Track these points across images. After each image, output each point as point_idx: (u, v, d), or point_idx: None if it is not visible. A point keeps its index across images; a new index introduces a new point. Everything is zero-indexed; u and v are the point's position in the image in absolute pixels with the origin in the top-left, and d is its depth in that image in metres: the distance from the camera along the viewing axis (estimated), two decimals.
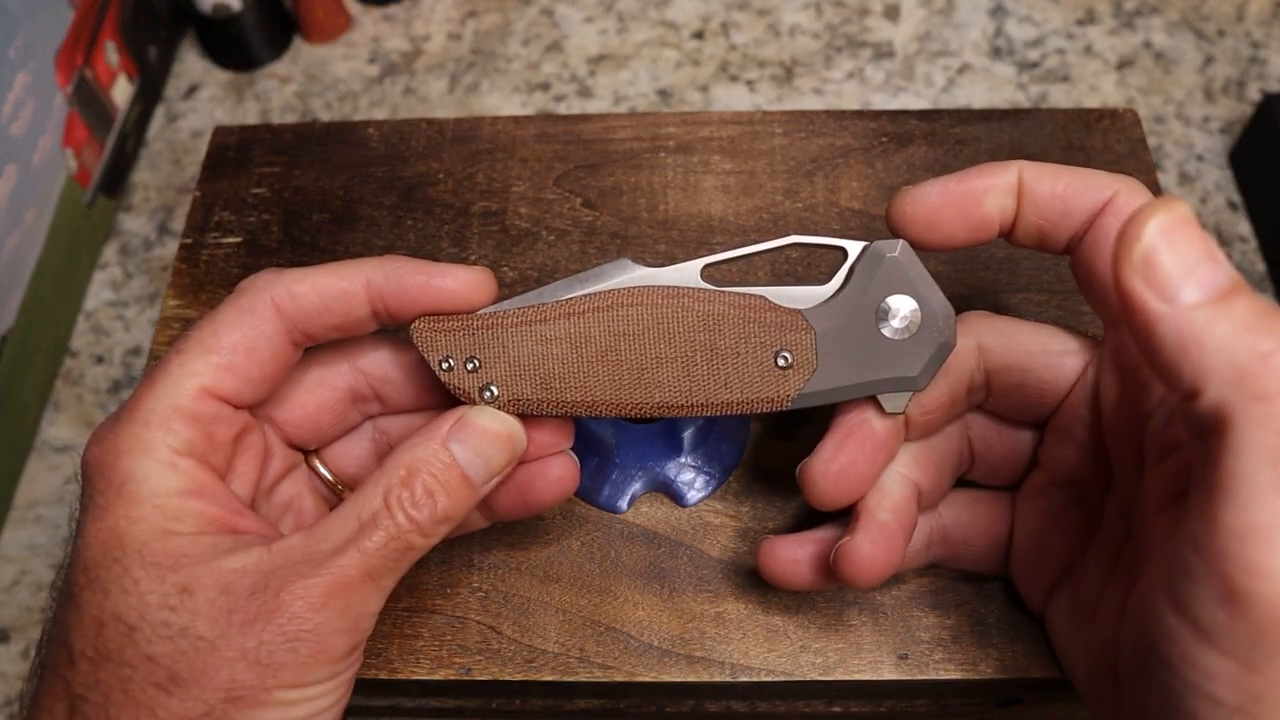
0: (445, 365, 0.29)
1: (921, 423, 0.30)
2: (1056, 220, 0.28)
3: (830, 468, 0.29)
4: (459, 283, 0.28)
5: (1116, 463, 0.29)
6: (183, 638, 0.25)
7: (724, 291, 0.29)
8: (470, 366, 0.29)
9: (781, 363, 0.28)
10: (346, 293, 0.28)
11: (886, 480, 0.30)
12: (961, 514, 0.33)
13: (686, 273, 0.29)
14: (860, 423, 0.29)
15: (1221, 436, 0.20)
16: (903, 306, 0.28)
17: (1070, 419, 0.30)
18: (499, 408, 0.29)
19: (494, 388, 0.29)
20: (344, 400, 0.31)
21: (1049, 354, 0.30)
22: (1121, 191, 0.27)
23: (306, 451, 0.33)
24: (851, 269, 0.29)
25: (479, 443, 0.28)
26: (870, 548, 0.29)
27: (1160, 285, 0.21)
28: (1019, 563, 0.32)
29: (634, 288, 0.29)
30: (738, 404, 0.29)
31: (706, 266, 0.29)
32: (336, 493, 0.33)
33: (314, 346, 0.30)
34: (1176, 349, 0.21)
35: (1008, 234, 0.29)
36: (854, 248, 0.29)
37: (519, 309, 0.29)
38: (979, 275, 0.41)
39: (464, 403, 0.29)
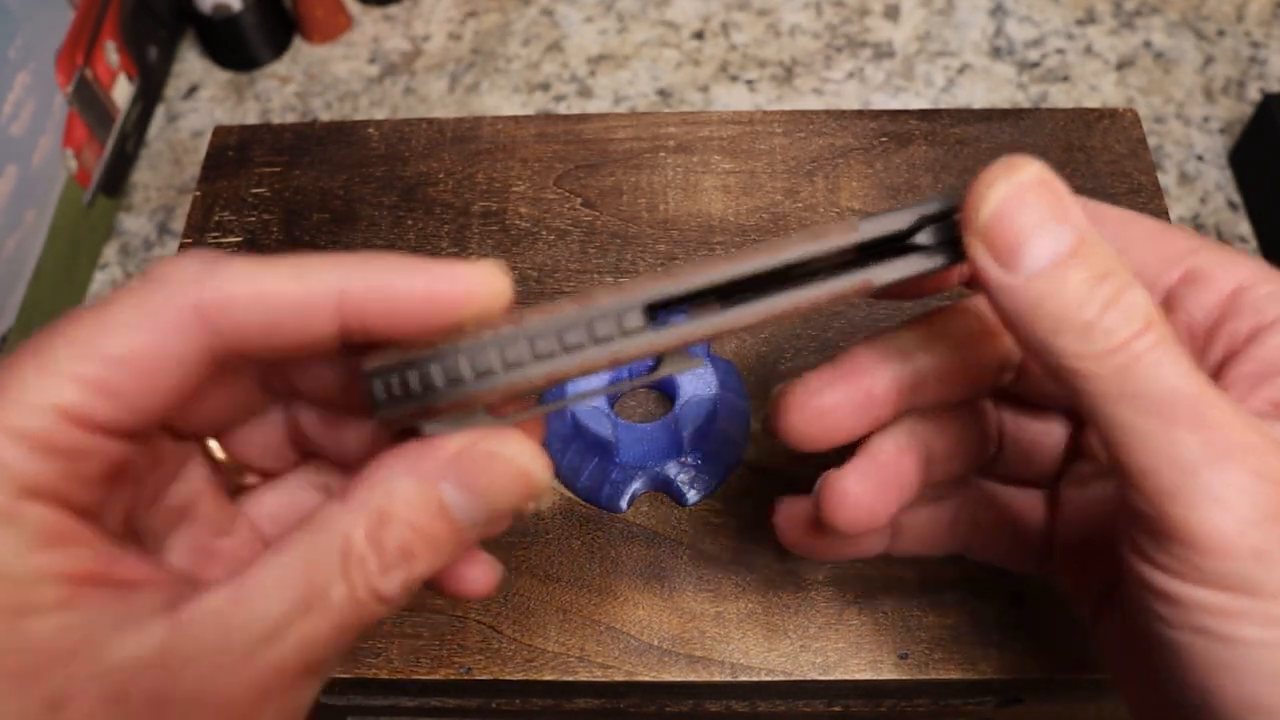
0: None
1: (919, 390, 0.26)
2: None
3: (811, 401, 0.25)
4: (467, 287, 0.20)
5: None
6: None
7: None
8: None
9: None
10: (306, 306, 0.19)
11: (890, 429, 0.26)
12: (993, 498, 0.29)
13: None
14: (858, 365, 0.25)
15: (1081, 398, 0.20)
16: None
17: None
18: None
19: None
20: (251, 389, 0.23)
21: None
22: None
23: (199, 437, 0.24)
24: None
25: (488, 486, 0.20)
26: (859, 484, 0.25)
27: (1003, 255, 0.20)
28: (1064, 560, 0.28)
29: None
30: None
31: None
32: (242, 484, 0.25)
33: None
34: (1024, 322, 0.20)
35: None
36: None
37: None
38: None
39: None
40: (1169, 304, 0.24)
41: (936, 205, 0.21)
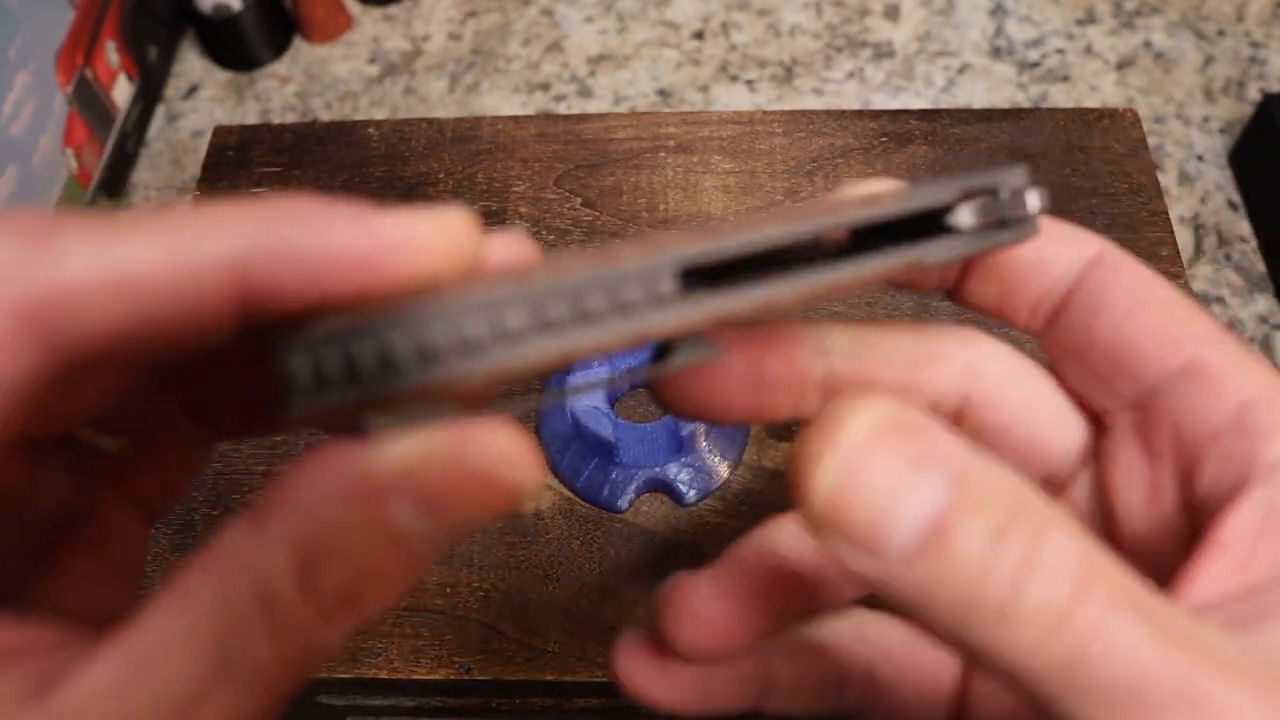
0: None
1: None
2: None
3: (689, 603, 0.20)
4: (424, 244, 0.14)
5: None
6: None
7: None
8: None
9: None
10: (187, 285, 0.14)
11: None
12: (894, 646, 0.22)
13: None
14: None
15: (1034, 700, 0.14)
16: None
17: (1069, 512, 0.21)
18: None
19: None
20: (108, 374, 0.16)
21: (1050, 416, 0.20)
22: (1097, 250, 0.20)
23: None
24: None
25: (455, 505, 0.14)
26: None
27: (863, 540, 0.14)
28: None
29: None
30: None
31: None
32: (100, 449, 0.18)
33: None
34: (924, 617, 0.15)
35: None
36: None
37: None
38: None
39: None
40: (1155, 395, 0.19)
41: (978, 182, 0.18)
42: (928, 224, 0.18)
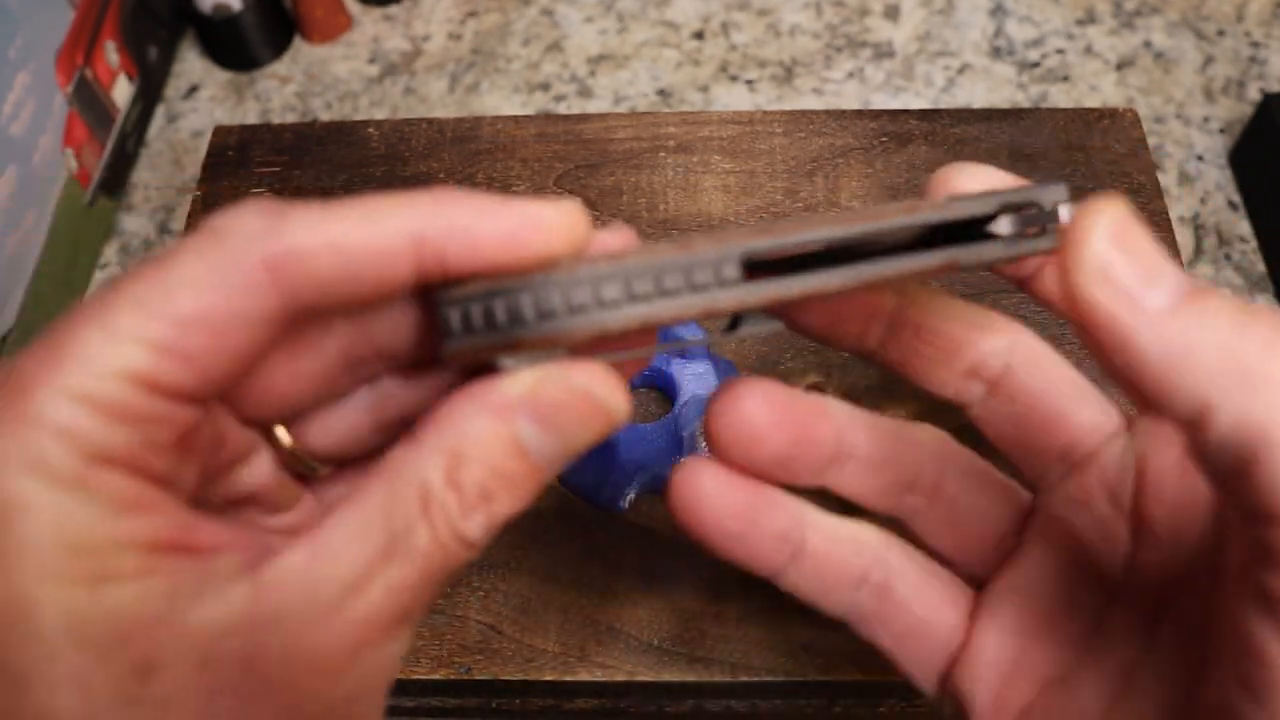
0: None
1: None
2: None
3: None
4: (549, 227, 0.19)
5: (1160, 547, 0.22)
6: None
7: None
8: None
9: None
10: (381, 252, 0.19)
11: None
12: (912, 571, 0.24)
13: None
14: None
15: (1256, 461, 0.16)
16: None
17: (1092, 485, 0.23)
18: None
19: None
20: (334, 366, 0.21)
21: (1077, 391, 0.23)
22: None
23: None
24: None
25: (566, 422, 0.19)
26: (757, 391, 0.22)
27: (1126, 293, 0.17)
28: (978, 672, 0.24)
29: None
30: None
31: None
32: (312, 473, 0.23)
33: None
34: (1164, 364, 0.17)
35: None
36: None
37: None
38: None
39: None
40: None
41: (1019, 196, 0.21)
42: (972, 230, 0.20)
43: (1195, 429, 0.17)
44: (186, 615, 0.17)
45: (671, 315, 0.19)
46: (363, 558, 0.18)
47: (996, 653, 0.23)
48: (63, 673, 0.17)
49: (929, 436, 0.25)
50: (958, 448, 0.25)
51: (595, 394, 0.19)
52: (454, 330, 0.19)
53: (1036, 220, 0.20)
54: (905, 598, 0.24)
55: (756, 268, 0.19)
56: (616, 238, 0.20)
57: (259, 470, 0.22)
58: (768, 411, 0.22)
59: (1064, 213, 0.20)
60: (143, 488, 0.18)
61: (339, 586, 0.18)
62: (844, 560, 0.24)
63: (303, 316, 0.19)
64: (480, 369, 0.20)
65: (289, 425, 0.22)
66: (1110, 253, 0.17)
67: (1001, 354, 0.23)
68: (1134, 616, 0.22)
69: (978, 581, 0.25)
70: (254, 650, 0.17)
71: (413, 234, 0.19)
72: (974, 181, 0.23)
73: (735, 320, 0.21)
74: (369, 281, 0.19)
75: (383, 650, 0.18)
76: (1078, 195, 0.43)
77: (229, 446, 0.21)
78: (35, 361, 0.18)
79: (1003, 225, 0.20)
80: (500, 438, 0.18)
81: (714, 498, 0.23)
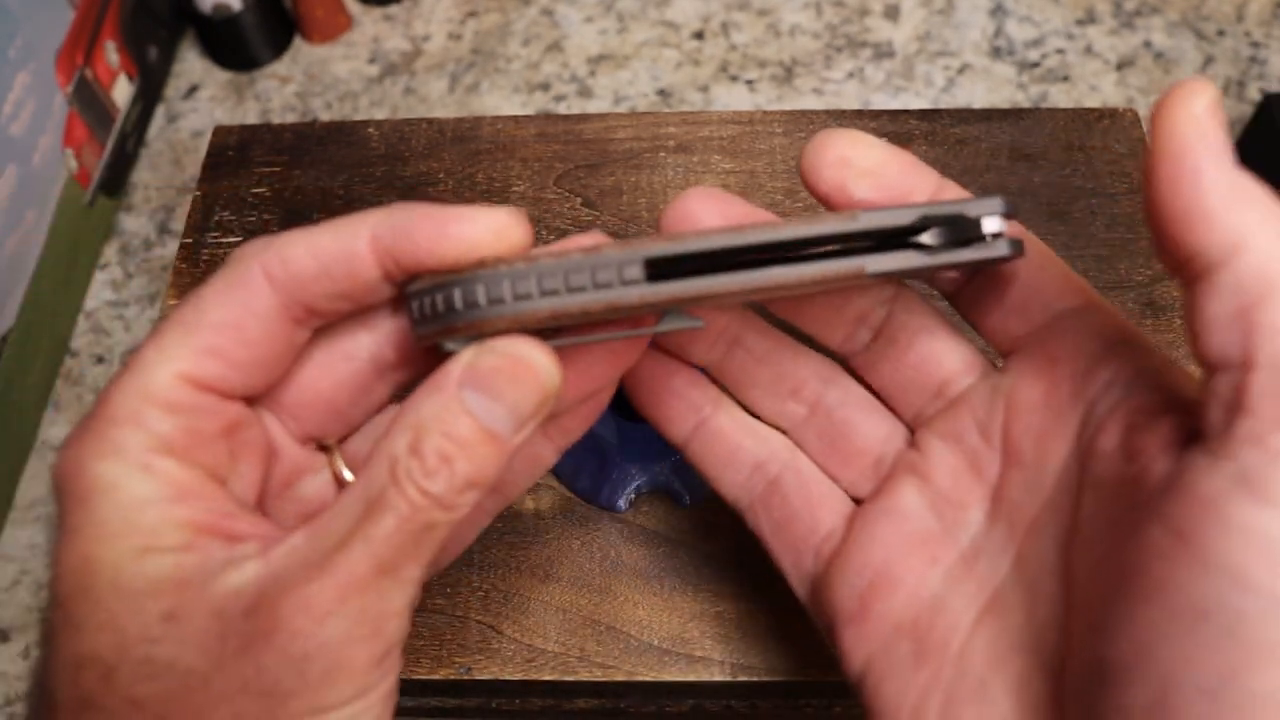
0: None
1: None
2: None
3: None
4: (483, 229, 0.23)
5: (1026, 473, 0.24)
6: (169, 674, 0.21)
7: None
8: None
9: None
10: (348, 253, 0.23)
11: None
12: (804, 470, 0.28)
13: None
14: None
15: (1262, 301, 0.19)
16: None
17: (964, 419, 0.25)
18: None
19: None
20: (366, 372, 0.26)
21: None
22: None
23: (327, 447, 0.27)
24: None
25: (500, 385, 0.22)
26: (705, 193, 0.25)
27: (1212, 142, 0.20)
28: (846, 577, 0.26)
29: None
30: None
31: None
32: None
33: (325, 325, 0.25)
34: (1221, 202, 0.20)
35: None
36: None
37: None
38: None
39: None
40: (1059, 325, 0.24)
41: (945, 209, 0.22)
42: (896, 238, 0.22)
43: (1216, 269, 0.19)
44: (208, 581, 0.21)
45: (579, 308, 0.21)
46: (346, 524, 0.21)
47: (865, 562, 0.26)
48: (103, 618, 0.21)
49: (818, 359, 0.28)
50: (842, 372, 0.28)
51: (522, 355, 0.22)
52: (416, 318, 0.23)
53: (964, 232, 0.22)
54: (788, 490, 0.27)
55: (663, 270, 0.21)
56: (589, 241, 0.23)
57: (319, 486, 0.26)
58: (713, 208, 0.25)
59: (990, 225, 0.22)
60: (195, 477, 0.22)
61: (327, 550, 0.21)
62: (742, 444, 0.28)
63: (307, 315, 0.24)
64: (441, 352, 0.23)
65: (341, 448, 0.27)
66: (1208, 115, 0.20)
67: (886, 302, 0.27)
68: (1003, 539, 0.24)
69: (855, 499, 0.27)
70: (256, 603, 0.21)
71: (368, 235, 0.23)
72: (839, 149, 0.25)
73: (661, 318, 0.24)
74: (342, 275, 0.23)
75: (367, 598, 0.21)
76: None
77: (288, 462, 0.26)
78: (114, 379, 0.23)
79: (928, 236, 0.22)
80: (449, 408, 0.22)
81: (641, 366, 0.27)
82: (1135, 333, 0.24)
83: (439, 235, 0.22)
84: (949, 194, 0.25)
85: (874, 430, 0.27)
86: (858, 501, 0.27)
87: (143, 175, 0.64)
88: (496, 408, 0.22)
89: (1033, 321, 0.25)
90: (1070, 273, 0.25)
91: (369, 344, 0.25)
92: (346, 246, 0.23)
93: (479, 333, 0.22)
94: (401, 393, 0.25)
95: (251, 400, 0.25)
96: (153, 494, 0.22)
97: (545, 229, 0.43)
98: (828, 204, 0.25)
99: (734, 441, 0.28)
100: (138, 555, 0.21)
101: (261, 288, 0.23)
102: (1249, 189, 0.20)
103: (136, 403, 0.22)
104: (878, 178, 0.25)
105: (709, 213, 0.25)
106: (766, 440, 0.28)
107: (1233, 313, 0.19)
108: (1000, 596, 0.24)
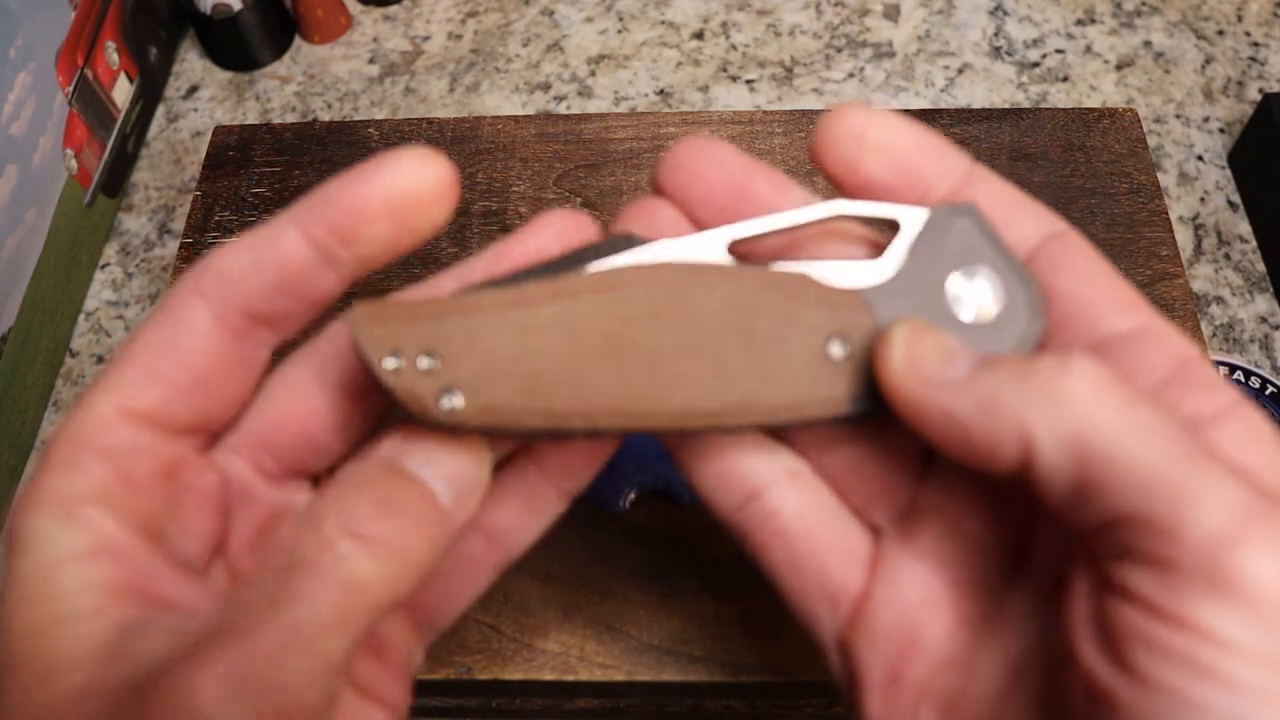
0: (390, 363, 0.21)
1: None
2: None
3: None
4: (408, 178, 0.22)
5: (1055, 531, 0.22)
6: None
7: (759, 269, 0.23)
8: (425, 364, 0.21)
9: (836, 352, 0.22)
10: (274, 237, 0.21)
11: None
12: (809, 507, 0.24)
13: (710, 244, 0.23)
14: None
15: (1087, 471, 0.18)
16: (977, 286, 0.23)
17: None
18: (462, 423, 0.21)
19: (458, 393, 0.21)
20: (340, 399, 0.23)
21: None
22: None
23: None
24: (913, 243, 0.23)
25: (435, 454, 0.21)
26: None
27: (932, 372, 0.20)
28: (874, 640, 0.23)
29: (647, 265, 0.23)
30: (782, 408, 0.22)
31: (736, 241, 0.23)
32: None
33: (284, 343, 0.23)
34: (978, 417, 0.19)
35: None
36: (911, 217, 0.23)
37: (496, 291, 0.22)
38: None
39: (411, 419, 0.21)
40: (1109, 350, 0.22)
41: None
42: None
43: (1029, 465, 0.19)
44: (119, 656, 0.19)
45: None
46: (259, 594, 0.19)
47: (893, 623, 0.23)
48: (20, 695, 0.19)
49: None
50: None
51: (457, 444, 0.22)
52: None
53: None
54: (793, 533, 0.23)
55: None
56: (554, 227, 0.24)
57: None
58: (714, 159, 0.24)
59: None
60: (123, 533, 0.20)
61: (228, 627, 0.19)
62: (735, 466, 0.24)
63: (248, 323, 0.22)
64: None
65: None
66: (910, 352, 0.21)
67: None
68: (1031, 600, 0.22)
69: (875, 530, 0.24)
70: (145, 684, 0.19)
71: (290, 216, 0.22)
72: (855, 123, 0.23)
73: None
74: (271, 263, 0.21)
75: (266, 688, 0.19)
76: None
77: (262, 507, 0.23)
78: (62, 421, 0.21)
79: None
80: (384, 465, 0.21)
81: None
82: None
83: (363, 196, 0.22)
84: (978, 188, 0.23)
85: (895, 462, 0.24)
86: (873, 528, 0.24)
87: (143, 175, 0.64)
88: (436, 476, 0.21)
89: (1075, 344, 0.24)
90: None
91: (339, 368, 0.23)
92: (271, 232, 0.22)
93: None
94: (384, 419, 0.23)
95: (212, 435, 0.23)
96: (74, 549, 0.20)
97: None
98: (837, 185, 0.23)
99: (725, 462, 0.24)
100: (55, 622, 0.19)
101: (190, 300, 0.21)
102: (988, 379, 0.20)
103: (71, 446, 0.20)
104: (893, 155, 0.23)
105: (708, 165, 0.24)
106: (768, 462, 0.24)
107: (1071, 492, 0.19)
108: (1027, 664, 0.22)
